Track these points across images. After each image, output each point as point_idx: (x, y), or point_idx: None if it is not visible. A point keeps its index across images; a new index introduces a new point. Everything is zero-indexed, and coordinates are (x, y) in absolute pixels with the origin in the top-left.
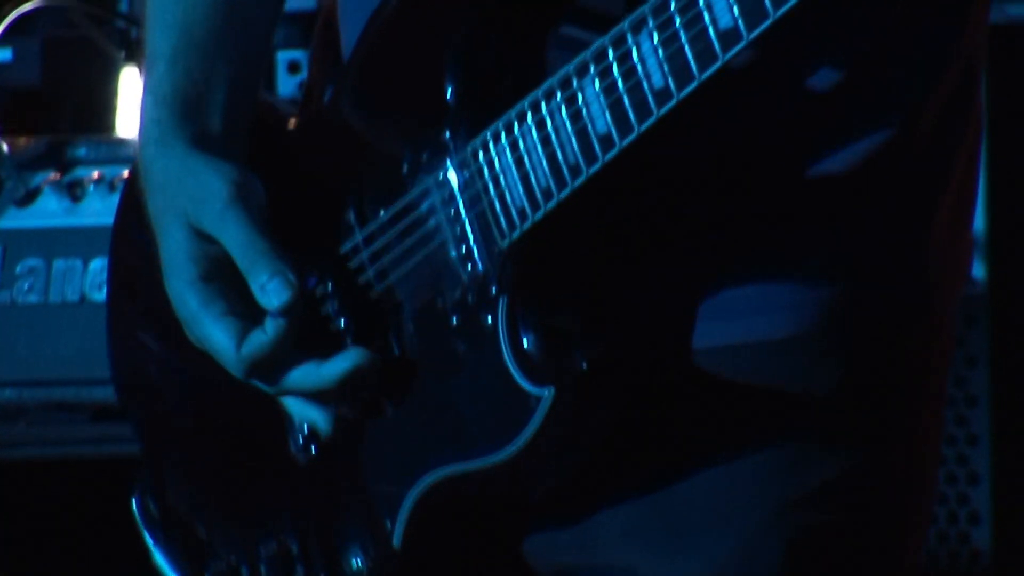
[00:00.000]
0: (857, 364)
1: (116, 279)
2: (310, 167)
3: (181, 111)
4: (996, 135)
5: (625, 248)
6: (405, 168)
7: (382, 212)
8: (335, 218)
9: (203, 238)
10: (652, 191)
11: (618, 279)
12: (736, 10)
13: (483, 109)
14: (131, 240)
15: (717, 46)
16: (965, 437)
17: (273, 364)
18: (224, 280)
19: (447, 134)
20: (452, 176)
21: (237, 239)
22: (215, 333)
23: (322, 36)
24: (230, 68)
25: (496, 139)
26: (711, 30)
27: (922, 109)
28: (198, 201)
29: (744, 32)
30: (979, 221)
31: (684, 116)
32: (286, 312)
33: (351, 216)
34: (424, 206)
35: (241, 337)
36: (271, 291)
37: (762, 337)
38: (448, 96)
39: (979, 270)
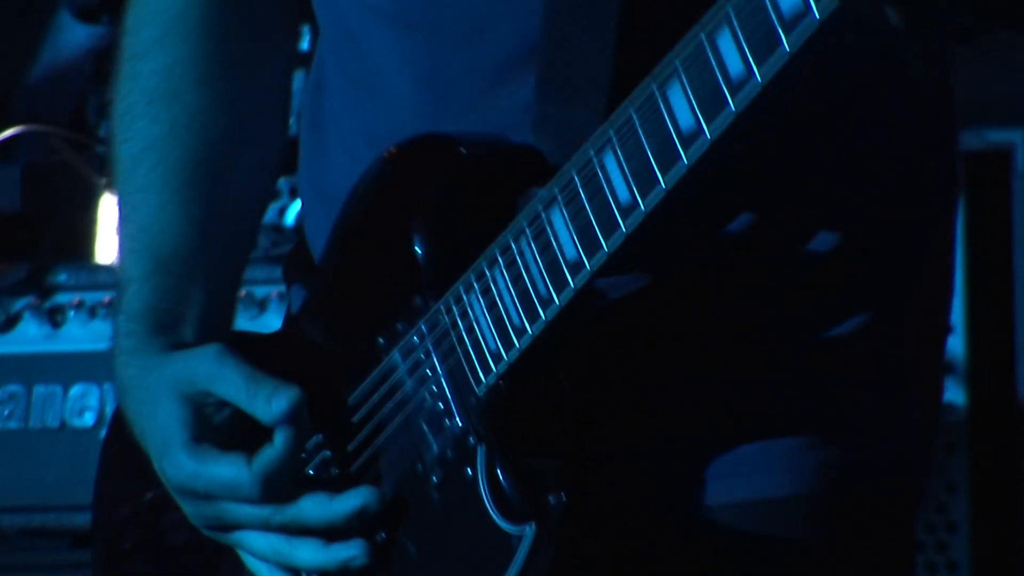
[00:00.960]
0: (847, 524)
1: (104, 514)
2: (288, 366)
3: (154, 326)
4: (975, 261)
5: (601, 387)
6: (380, 342)
7: (357, 391)
8: (314, 406)
9: (194, 399)
10: (633, 345)
11: (597, 418)
12: None
13: (453, 264)
14: (120, 464)
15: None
16: (945, 563)
17: (287, 480)
18: (217, 437)
19: (418, 299)
20: (425, 337)
21: (234, 378)
22: (221, 470)
23: (293, 259)
24: (202, 290)
25: (468, 289)
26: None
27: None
28: (188, 365)
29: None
30: (958, 347)
31: (674, 279)
32: (293, 417)
33: (327, 402)
34: (399, 373)
35: (249, 461)
36: (277, 400)
37: (763, 495)
38: (419, 257)
39: (959, 396)
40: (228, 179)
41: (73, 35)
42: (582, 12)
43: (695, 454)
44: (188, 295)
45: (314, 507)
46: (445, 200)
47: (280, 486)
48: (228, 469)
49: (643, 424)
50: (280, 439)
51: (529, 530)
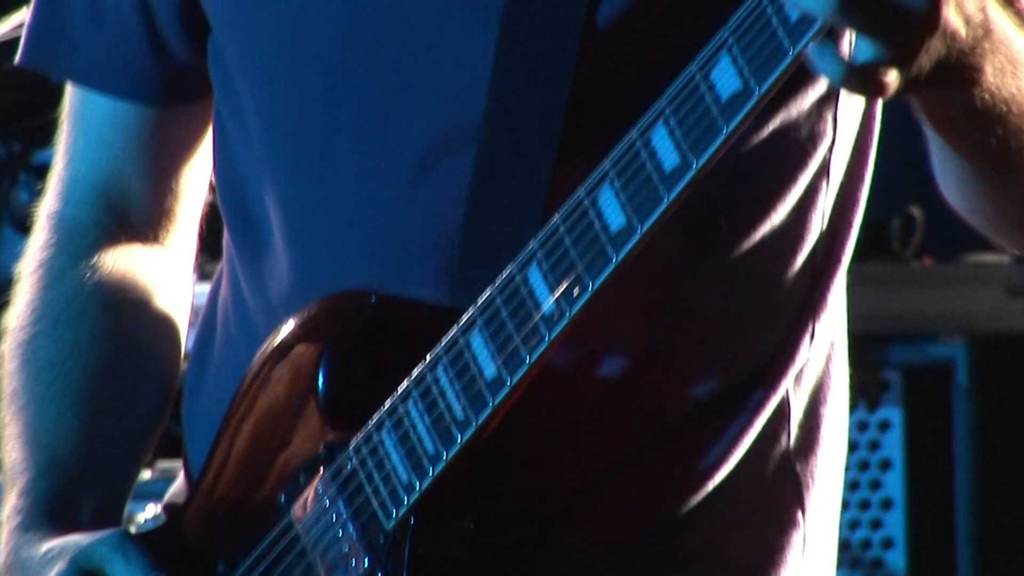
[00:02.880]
0: None
1: None
2: (183, 544)
3: (48, 512)
4: (916, 475)
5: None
6: (282, 499)
7: (254, 552)
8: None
9: (88, 573)
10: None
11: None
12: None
13: (361, 409)
14: None
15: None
16: None
17: None
18: None
19: (323, 450)
20: (329, 484)
21: (131, 567)
22: None
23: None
24: (95, 490)
25: (379, 427)
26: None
27: None
28: (88, 542)
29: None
30: (899, 561)
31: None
32: None
33: (221, 568)
34: (299, 525)
35: None
36: None
37: None
38: (322, 403)
39: None
40: (125, 394)
41: (15, 251)
42: (509, 188)
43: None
44: (81, 494)
45: None
46: (352, 345)
47: None
48: None
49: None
50: None
51: None
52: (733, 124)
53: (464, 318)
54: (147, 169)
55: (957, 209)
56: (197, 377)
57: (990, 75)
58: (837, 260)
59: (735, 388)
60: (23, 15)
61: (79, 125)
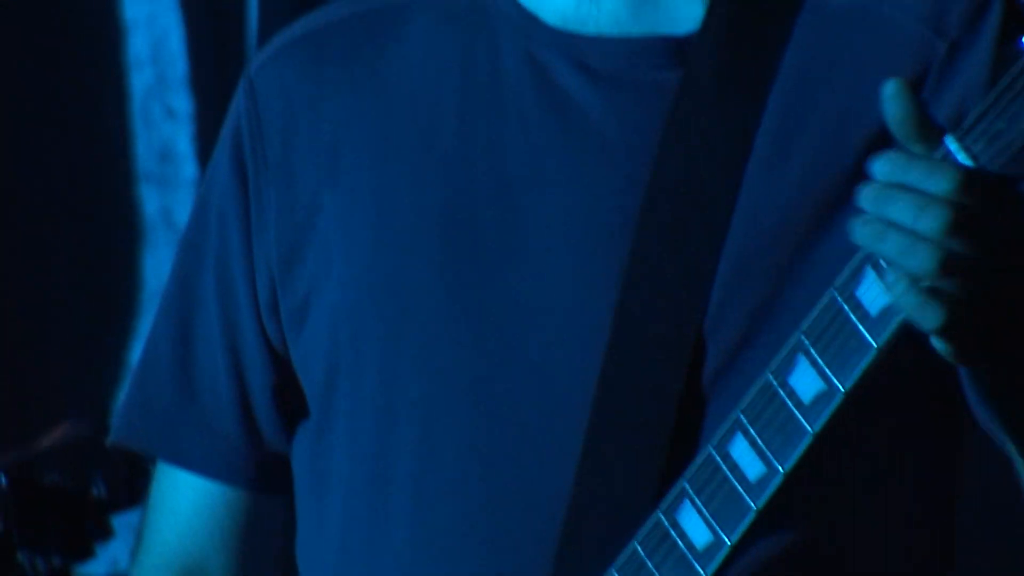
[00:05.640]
0: None
1: None
2: None
3: None
4: None
5: None
6: None
7: None
8: None
9: None
10: None
11: None
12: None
13: None
14: None
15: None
16: None
17: None
18: None
19: None
20: None
21: None
22: None
23: None
24: None
25: None
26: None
27: None
28: None
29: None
30: None
31: None
32: None
33: None
34: None
35: None
36: None
37: None
38: None
39: None
40: None
41: None
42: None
43: None
44: None
45: None
46: None
47: None
48: None
49: None
50: None
51: None
52: (819, 424)
53: None
54: (230, 563)
55: None
56: None
57: None
58: None
59: None
60: (59, 431)
61: (164, 505)
